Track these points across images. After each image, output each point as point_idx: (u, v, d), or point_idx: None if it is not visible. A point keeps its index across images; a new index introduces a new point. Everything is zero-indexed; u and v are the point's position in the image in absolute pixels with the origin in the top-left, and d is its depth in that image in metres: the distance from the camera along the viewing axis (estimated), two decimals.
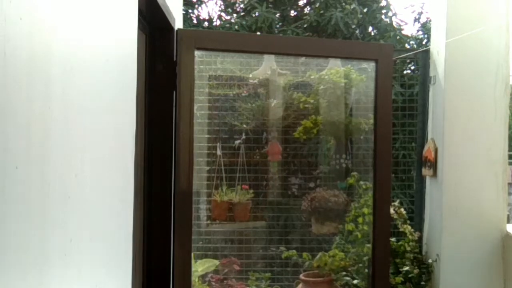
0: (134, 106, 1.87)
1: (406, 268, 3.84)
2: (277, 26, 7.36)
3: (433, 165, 3.91)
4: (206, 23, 7.73)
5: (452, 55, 3.83)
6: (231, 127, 4.41)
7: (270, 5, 7.25)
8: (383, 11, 7.51)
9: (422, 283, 3.86)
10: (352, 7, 7.15)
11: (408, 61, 5.46)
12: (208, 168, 4.21)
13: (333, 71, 3.99)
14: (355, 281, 3.78)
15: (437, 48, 4.00)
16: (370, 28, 7.57)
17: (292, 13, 7.71)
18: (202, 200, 4.19)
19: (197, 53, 2.83)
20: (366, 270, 3.76)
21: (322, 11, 7.24)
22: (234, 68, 4.28)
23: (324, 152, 4.43)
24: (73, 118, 1.27)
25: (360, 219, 3.86)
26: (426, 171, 4.05)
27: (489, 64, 3.81)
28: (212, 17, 7.82)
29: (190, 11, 7.63)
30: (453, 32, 3.80)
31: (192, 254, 2.87)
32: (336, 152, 4.25)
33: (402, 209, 4.05)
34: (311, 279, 3.89)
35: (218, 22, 7.71)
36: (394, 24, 7.54)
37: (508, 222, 3.98)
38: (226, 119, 4.43)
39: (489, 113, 3.80)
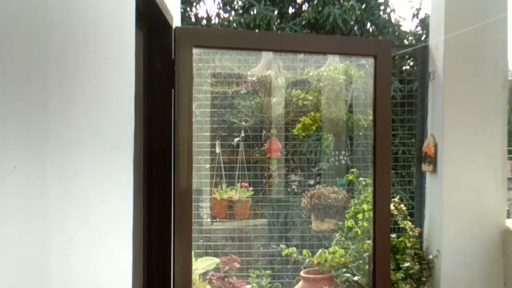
0: (133, 105, 1.86)
1: (407, 264, 3.83)
2: (275, 23, 7.36)
3: (433, 161, 3.91)
4: (204, 21, 7.73)
5: (451, 50, 3.82)
6: (230, 125, 4.41)
7: (268, 3, 7.25)
8: (381, 7, 7.51)
9: (423, 279, 3.86)
10: (350, 3, 7.15)
11: (407, 56, 5.46)
12: (207, 166, 4.21)
13: (331, 68, 3.98)
14: (355, 278, 3.78)
15: (436, 43, 4.00)
16: (369, 24, 7.58)
17: (290, 10, 7.71)
18: (202, 198, 4.18)
19: (195, 51, 2.82)
20: (367, 267, 3.76)
21: (320, 8, 7.24)
22: (232, 65, 4.27)
23: (323, 149, 4.43)
24: (71, 117, 1.27)
25: (360, 216, 3.86)
26: (426, 167, 4.05)
27: (487, 59, 3.80)
28: (210, 15, 7.82)
29: (188, 9, 7.63)
30: (451, 27, 3.79)
31: (193, 252, 2.86)
32: (335, 148, 4.24)
33: (402, 205, 4.05)
34: (311, 276, 3.89)
35: (217, 20, 7.71)
36: (393, 20, 7.54)
37: (508, 217, 3.98)
38: (225, 116, 4.43)
39: (488, 108, 3.80)
